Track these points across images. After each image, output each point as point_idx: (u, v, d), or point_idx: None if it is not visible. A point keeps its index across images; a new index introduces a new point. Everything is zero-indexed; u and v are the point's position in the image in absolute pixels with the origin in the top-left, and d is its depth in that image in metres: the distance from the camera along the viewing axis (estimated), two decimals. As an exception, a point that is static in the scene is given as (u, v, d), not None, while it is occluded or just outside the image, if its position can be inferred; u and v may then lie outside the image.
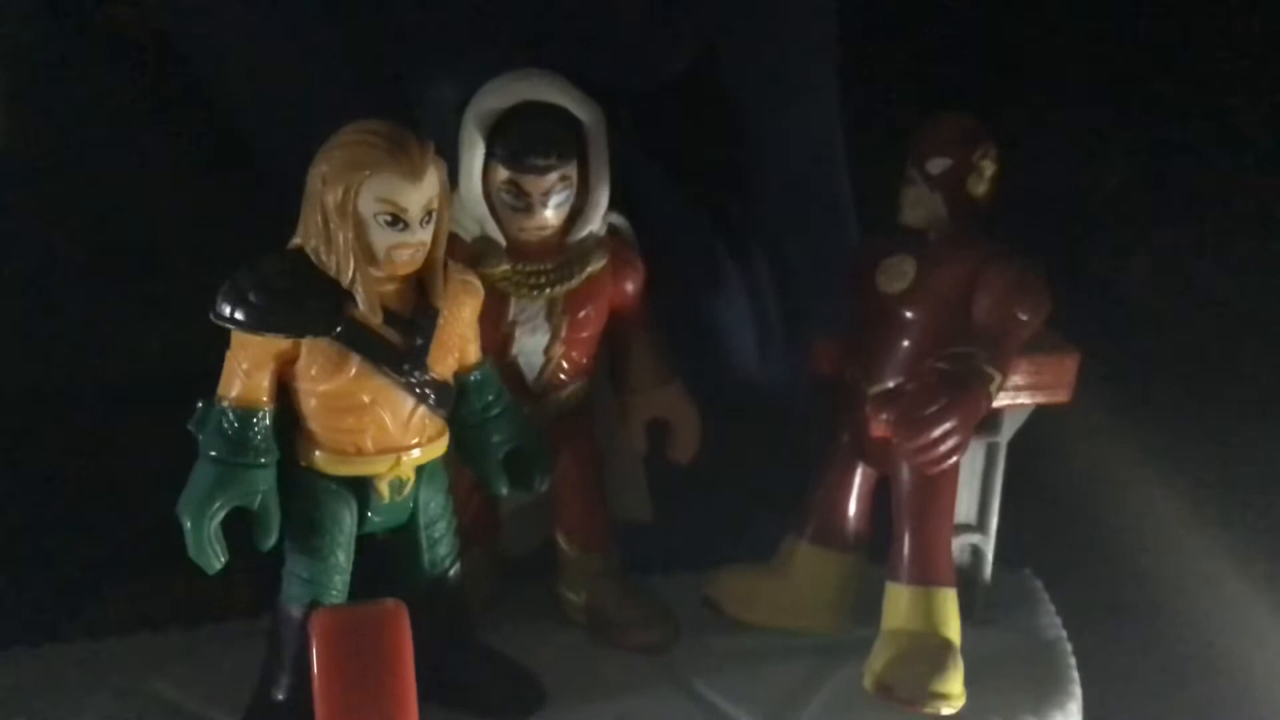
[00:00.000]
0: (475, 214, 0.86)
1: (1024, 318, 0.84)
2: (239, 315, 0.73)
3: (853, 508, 0.93)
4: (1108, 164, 1.10)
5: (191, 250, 0.95)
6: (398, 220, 0.73)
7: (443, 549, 0.83)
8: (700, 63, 1.04)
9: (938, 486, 0.86)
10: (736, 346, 1.08)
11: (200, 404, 0.76)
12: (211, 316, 0.74)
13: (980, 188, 0.86)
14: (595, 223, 0.88)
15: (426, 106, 0.97)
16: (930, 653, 0.84)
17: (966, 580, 0.94)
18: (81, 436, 0.98)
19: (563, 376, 0.90)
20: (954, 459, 0.82)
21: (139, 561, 1.01)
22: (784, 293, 1.09)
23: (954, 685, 0.83)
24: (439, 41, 0.98)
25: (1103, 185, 1.08)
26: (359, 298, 0.74)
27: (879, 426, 0.85)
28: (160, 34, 0.96)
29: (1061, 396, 0.90)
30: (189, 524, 0.74)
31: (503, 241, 0.86)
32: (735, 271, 1.08)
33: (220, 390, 0.76)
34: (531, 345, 0.88)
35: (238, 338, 0.75)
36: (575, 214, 0.87)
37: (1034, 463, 0.96)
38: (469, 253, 0.85)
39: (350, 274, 0.74)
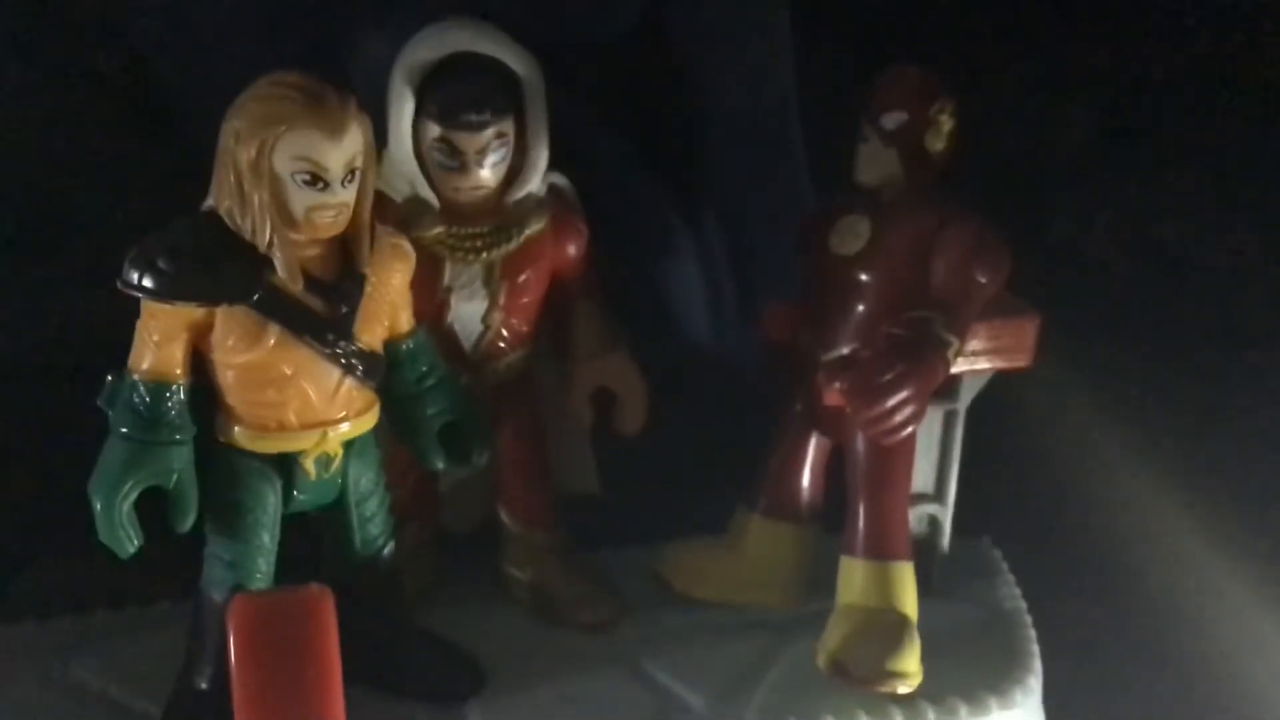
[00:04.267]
0: (406, 173, 0.81)
1: (983, 280, 0.81)
2: (147, 283, 0.68)
3: (806, 479, 0.90)
4: (1068, 122, 1.07)
5: (108, 219, 0.89)
6: (317, 179, 0.69)
7: (375, 528, 0.79)
8: (648, 16, 0.99)
9: (893, 457, 0.83)
10: (687, 312, 1.05)
11: (109, 377, 0.71)
12: (119, 285, 0.69)
13: (938, 144, 0.83)
14: (534, 183, 0.83)
15: (359, 60, 0.92)
16: (886, 629, 0.81)
17: (924, 551, 0.91)
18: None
19: (502, 345, 0.86)
20: (910, 428, 0.79)
21: (60, 541, 0.96)
22: (736, 256, 1.05)
23: (910, 663, 0.80)
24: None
25: (1064, 143, 1.04)
26: (277, 263, 0.70)
27: (832, 395, 0.82)
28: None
29: (1021, 361, 0.87)
30: (99, 506, 0.70)
31: (436, 203, 0.82)
32: (685, 234, 1.04)
33: (131, 363, 0.71)
34: (468, 312, 0.84)
35: (148, 307, 0.70)
36: (513, 174, 0.83)
37: (992, 429, 0.93)
38: (400, 215, 0.81)
39: (267, 237, 0.69)
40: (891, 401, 0.77)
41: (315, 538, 0.80)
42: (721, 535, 0.93)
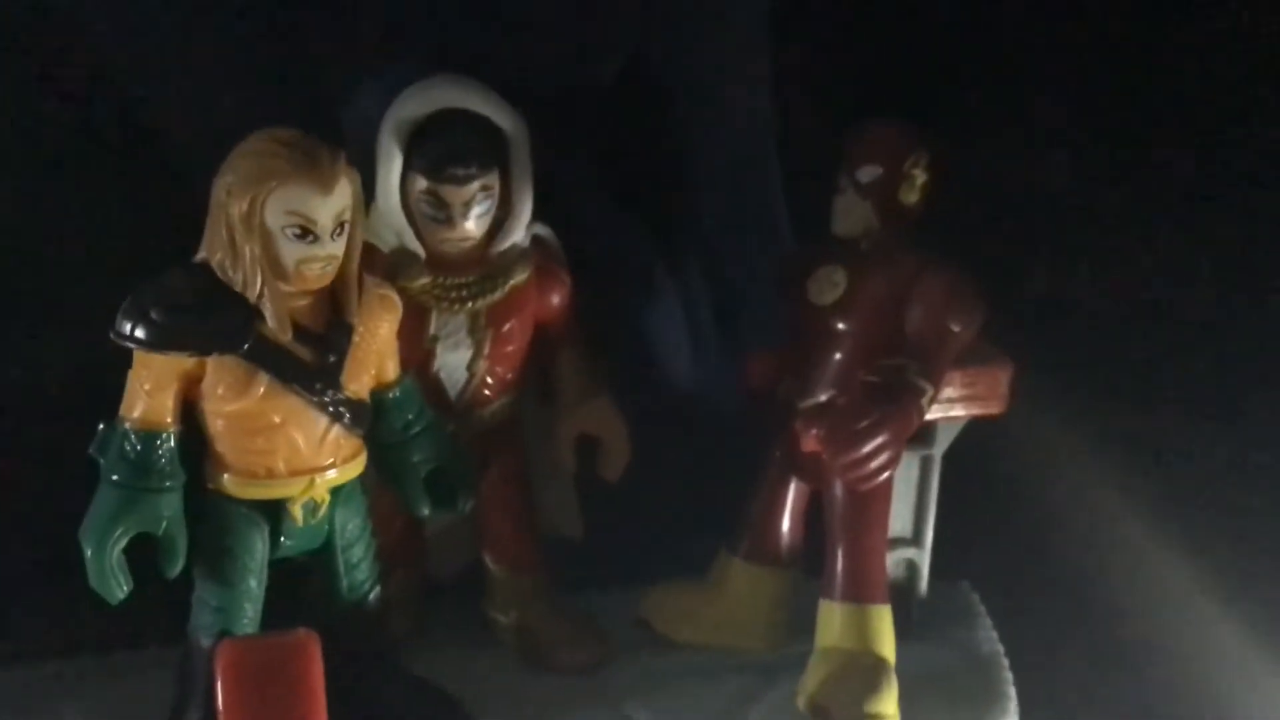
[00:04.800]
0: (394, 225, 0.83)
1: (956, 329, 0.83)
2: (140, 333, 0.70)
3: (786, 524, 0.92)
4: (1049, 169, 1.09)
5: (100, 268, 0.91)
6: (307, 233, 0.71)
7: (361, 573, 0.81)
8: (631, 70, 1.02)
9: (870, 502, 0.84)
10: (670, 359, 1.06)
11: (101, 426, 0.72)
12: (112, 335, 0.71)
13: (912, 196, 0.85)
14: (518, 234, 0.85)
15: (352, 113, 0.94)
16: (864, 672, 0.82)
17: (902, 594, 0.92)
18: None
19: (487, 392, 0.88)
20: (886, 474, 0.81)
21: (49, 586, 0.97)
22: (718, 304, 1.07)
23: (888, 705, 0.81)
24: (362, 49, 0.95)
25: (1044, 190, 1.07)
26: (267, 313, 0.71)
27: (809, 441, 0.84)
28: (74, 45, 0.93)
29: (995, 408, 0.89)
30: (90, 552, 0.71)
31: (422, 253, 0.83)
32: (668, 283, 1.05)
33: (122, 411, 0.73)
34: (454, 360, 0.86)
35: (140, 356, 0.72)
36: (497, 225, 0.85)
37: (973, 475, 0.95)
38: (387, 265, 0.82)
39: (258, 289, 0.71)
40: (867, 448, 0.79)
41: (302, 583, 0.81)
42: (703, 579, 0.94)
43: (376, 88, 0.90)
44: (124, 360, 0.73)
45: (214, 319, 0.71)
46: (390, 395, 0.79)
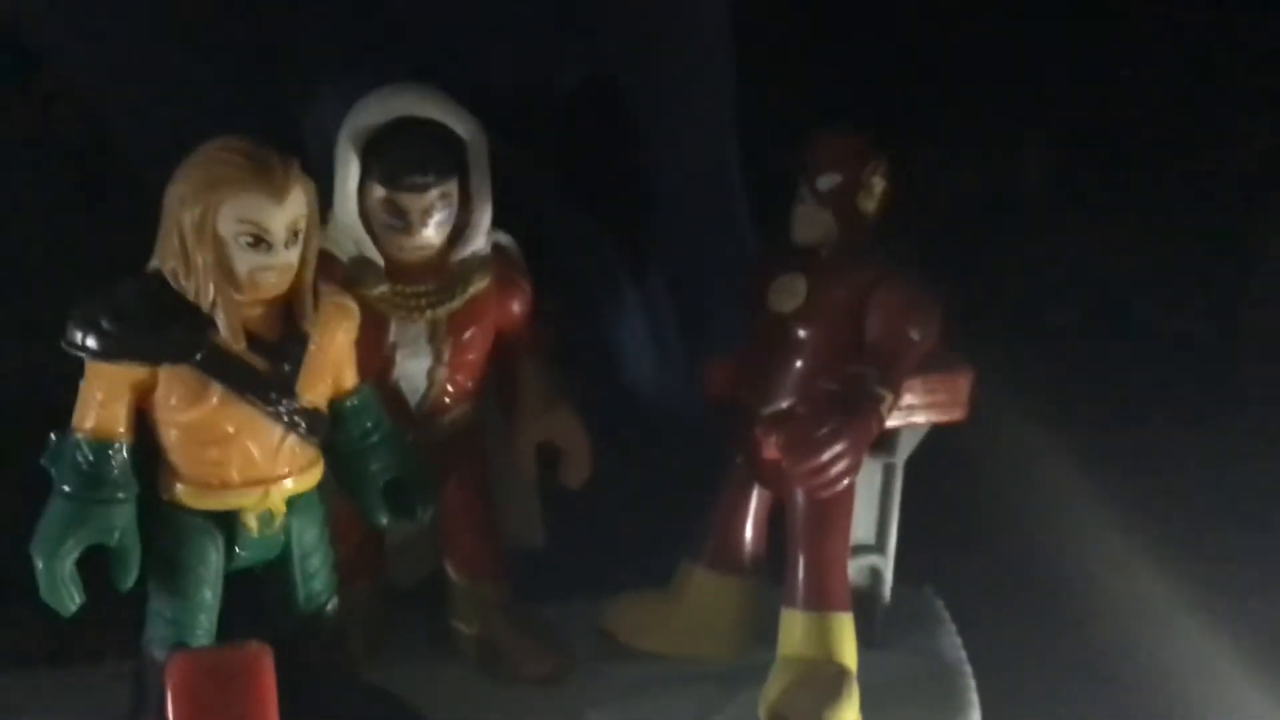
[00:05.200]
0: (352, 234, 0.82)
1: (916, 337, 0.83)
2: (91, 343, 0.69)
3: (749, 531, 0.91)
4: (1011, 177, 1.10)
5: (50, 273, 0.90)
6: (260, 241, 0.70)
7: (318, 583, 0.80)
8: (592, 78, 1.02)
9: (831, 510, 0.84)
10: (632, 367, 1.06)
11: (53, 436, 0.72)
12: (63, 344, 0.70)
13: (870, 204, 0.85)
14: (478, 242, 0.85)
15: (310, 125, 0.94)
16: (825, 680, 0.82)
17: (866, 602, 0.92)
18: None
19: (447, 400, 0.87)
20: (845, 482, 0.81)
21: (3, 598, 0.96)
22: (679, 312, 1.07)
23: (849, 713, 0.81)
24: (320, 57, 0.95)
25: (1015, 198, 1.07)
26: (220, 323, 0.71)
27: (770, 448, 0.83)
28: (31, 48, 0.92)
29: (956, 415, 0.89)
30: (41, 564, 0.70)
31: (381, 262, 0.83)
32: (630, 291, 1.05)
33: (74, 422, 0.72)
34: (413, 369, 0.85)
35: (91, 366, 0.71)
36: (457, 233, 0.84)
37: (933, 481, 0.95)
38: (346, 273, 0.82)
39: (210, 298, 0.70)
40: (826, 455, 0.79)
41: (258, 593, 0.80)
42: (666, 588, 0.93)
43: (335, 96, 0.90)
44: (76, 370, 0.72)
45: (166, 328, 0.70)
46: (348, 404, 0.79)
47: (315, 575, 0.80)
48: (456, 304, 0.84)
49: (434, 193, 0.81)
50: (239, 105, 0.93)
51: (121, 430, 0.72)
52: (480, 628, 0.91)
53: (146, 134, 0.94)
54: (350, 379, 0.79)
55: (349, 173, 0.81)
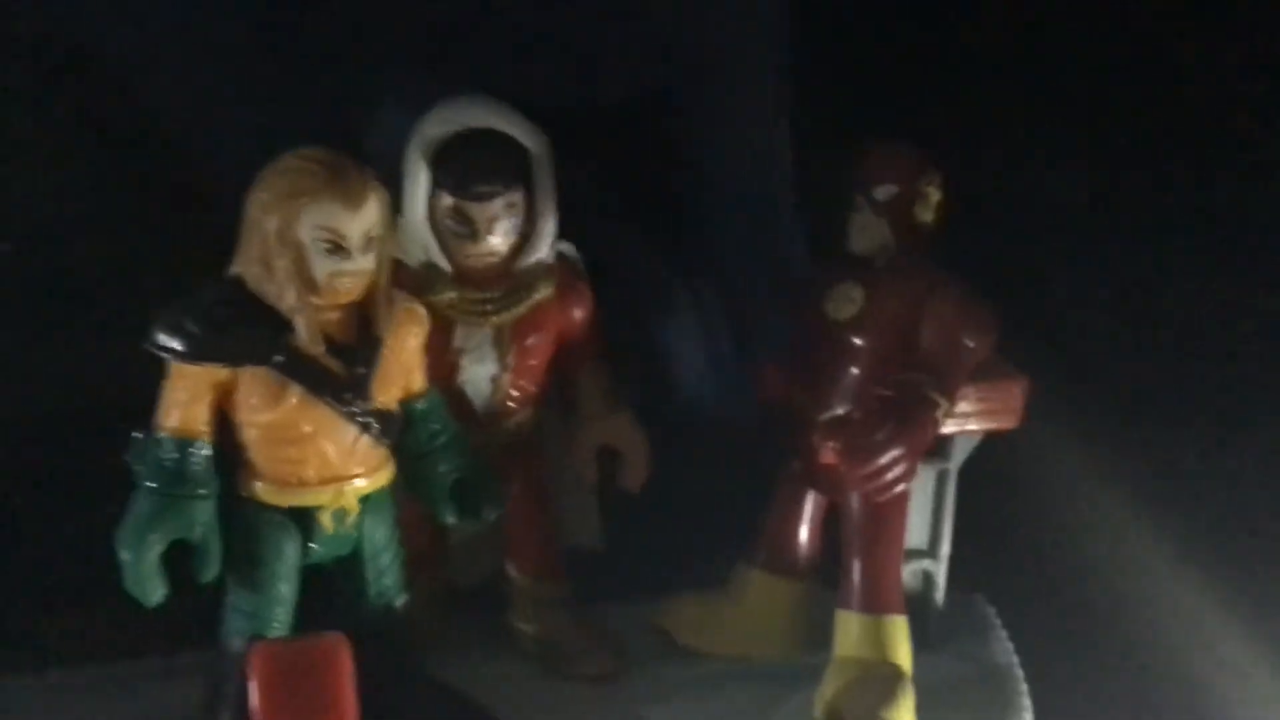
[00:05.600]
0: (421, 241, 0.85)
1: (971, 344, 0.84)
2: (175, 345, 0.72)
3: (804, 535, 0.93)
4: (1060, 186, 1.10)
5: (128, 279, 0.93)
6: (338, 248, 0.73)
7: (389, 580, 0.82)
8: (647, 89, 1.04)
9: (887, 514, 0.86)
10: (687, 373, 1.08)
11: (137, 434, 0.75)
12: (147, 346, 0.73)
13: (926, 214, 0.87)
14: (543, 250, 0.87)
15: (373, 136, 0.97)
16: (881, 681, 0.84)
17: (918, 606, 0.93)
18: (17, 466, 0.96)
19: (511, 405, 0.90)
20: (901, 486, 0.82)
21: (81, 593, 0.99)
22: (733, 318, 1.08)
23: (905, 714, 0.83)
24: (388, 69, 0.98)
25: (1059, 208, 1.08)
26: (299, 326, 0.73)
27: (827, 453, 0.85)
28: (100, 64, 0.96)
29: (1009, 422, 0.90)
30: (128, 557, 0.73)
31: (448, 269, 0.85)
32: (684, 297, 1.07)
33: (157, 420, 0.75)
34: (478, 374, 0.88)
35: (175, 368, 0.74)
36: (522, 241, 0.87)
37: (985, 488, 0.96)
38: (414, 280, 0.84)
39: (290, 302, 0.73)
40: (883, 460, 0.80)
41: (329, 590, 0.83)
42: (721, 589, 0.95)
43: (398, 109, 0.93)
44: (153, 370, 0.75)
45: (247, 331, 0.73)
46: (417, 407, 0.81)
47: (386, 572, 0.82)
48: (521, 310, 0.87)
49: (500, 201, 0.84)
50: (308, 117, 0.96)
51: (203, 429, 0.74)
52: (540, 626, 0.93)
53: (220, 146, 0.97)
54: (419, 382, 0.81)
55: (418, 181, 0.84)
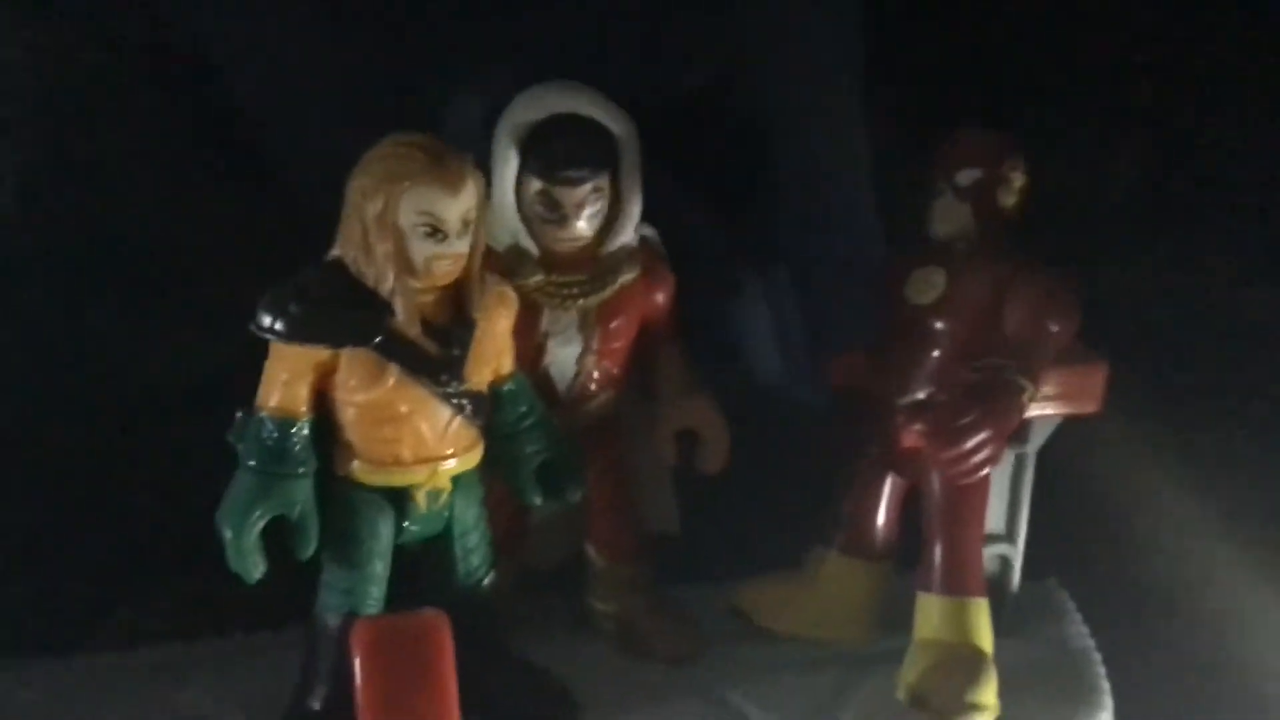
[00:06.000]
0: (509, 226, 0.86)
1: (1055, 329, 0.85)
2: (279, 326, 0.73)
3: (881, 518, 0.94)
4: (1128, 170, 1.10)
5: (220, 260, 0.95)
6: (436, 231, 0.74)
7: (476, 559, 0.84)
8: (722, 73, 1.04)
9: (969, 497, 0.86)
10: (761, 357, 1.09)
11: (239, 414, 0.76)
12: (251, 328, 0.74)
13: (1009, 199, 0.87)
14: (628, 234, 0.88)
15: (448, 121, 0.98)
16: (964, 663, 0.84)
17: (994, 591, 0.93)
18: (107, 445, 0.98)
19: (593, 387, 0.91)
20: (987, 470, 0.83)
21: (160, 571, 1.01)
22: (808, 303, 1.09)
23: (989, 696, 0.83)
24: (461, 56, 0.99)
25: (1121, 190, 1.08)
26: (398, 308, 0.75)
27: (911, 437, 0.86)
28: (191, 51, 0.97)
29: (1090, 407, 0.91)
30: (230, 534, 0.74)
31: (536, 252, 0.86)
32: (759, 283, 1.08)
33: (259, 400, 0.76)
34: (564, 356, 0.89)
35: (277, 348, 0.75)
36: (608, 225, 0.87)
37: (1058, 472, 0.97)
38: (502, 263, 0.85)
39: (389, 285, 0.74)
40: (970, 443, 0.81)
41: (415, 569, 0.84)
42: (798, 571, 0.96)
43: (475, 96, 0.94)
44: (255, 355, 0.77)
45: (348, 313, 0.74)
46: (505, 388, 0.82)
47: (474, 551, 0.83)
48: (607, 294, 0.87)
49: (588, 186, 0.84)
50: (387, 101, 0.97)
51: (303, 409, 0.76)
52: (619, 607, 0.94)
53: (314, 136, 0.98)
54: (508, 364, 0.83)
55: (507, 166, 0.84)
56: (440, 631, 0.72)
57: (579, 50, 0.96)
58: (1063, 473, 0.98)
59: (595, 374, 0.90)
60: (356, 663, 0.71)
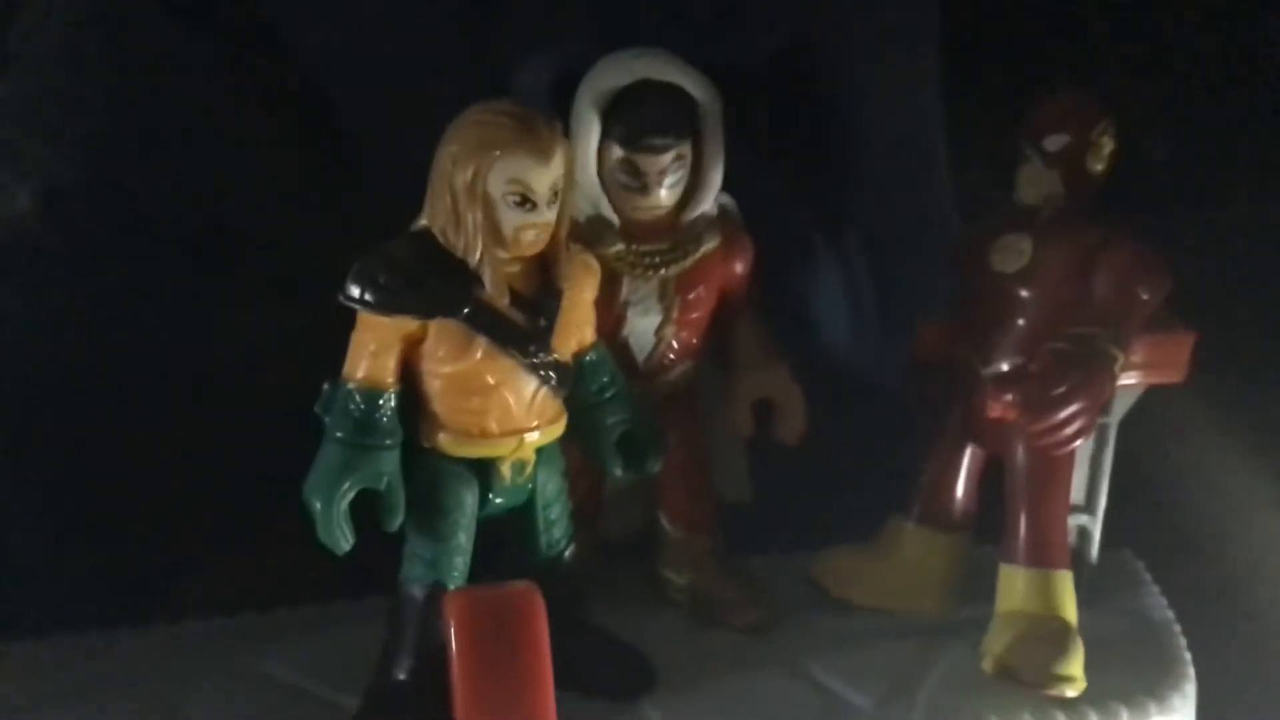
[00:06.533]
0: (589, 194, 0.85)
1: (1145, 297, 0.83)
2: (368, 296, 0.73)
3: (960, 489, 0.93)
4: (1214, 134, 1.08)
5: (297, 232, 0.95)
6: (526, 200, 0.73)
7: (558, 530, 0.83)
8: (797, 39, 1.03)
9: (1056, 468, 0.85)
10: (835, 328, 1.08)
11: (326, 386, 0.76)
12: (340, 298, 0.74)
13: (1098, 165, 0.85)
14: (708, 203, 0.87)
15: (526, 87, 0.97)
16: (1050, 635, 0.83)
17: (1074, 561, 0.92)
18: (185, 413, 0.98)
19: (672, 357, 0.90)
20: (1080, 441, 0.82)
21: (236, 541, 1.01)
22: (881, 273, 1.08)
23: (1075, 668, 0.83)
24: (540, 21, 0.97)
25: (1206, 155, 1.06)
26: (486, 279, 0.74)
27: (998, 408, 0.85)
28: (256, 22, 0.96)
29: (1175, 377, 0.89)
30: (319, 505, 0.74)
31: (616, 221, 0.85)
32: (834, 252, 1.07)
33: (346, 372, 0.75)
34: (643, 326, 0.88)
35: (365, 319, 0.75)
36: (688, 194, 0.86)
37: (1133, 444, 0.95)
38: (582, 233, 0.84)
39: (478, 255, 0.73)
40: (1064, 414, 0.80)
41: (492, 541, 0.84)
42: (874, 543, 0.95)
43: (554, 62, 0.93)
44: (338, 325, 0.76)
45: (436, 284, 0.73)
46: (587, 359, 0.82)
47: (556, 523, 0.83)
48: (687, 263, 0.87)
49: (670, 154, 0.83)
50: (464, 69, 0.96)
51: (390, 380, 0.75)
52: (692, 577, 0.94)
53: (370, 97, 0.97)
54: (590, 335, 0.82)
55: (590, 134, 0.83)
56: (534, 603, 0.71)
57: (658, 15, 0.95)
58: (1140, 444, 0.97)
59: (674, 344, 0.89)
60: (451, 633, 0.70)
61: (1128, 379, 0.88)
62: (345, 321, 0.75)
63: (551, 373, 0.78)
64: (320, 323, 0.75)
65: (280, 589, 0.95)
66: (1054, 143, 0.85)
